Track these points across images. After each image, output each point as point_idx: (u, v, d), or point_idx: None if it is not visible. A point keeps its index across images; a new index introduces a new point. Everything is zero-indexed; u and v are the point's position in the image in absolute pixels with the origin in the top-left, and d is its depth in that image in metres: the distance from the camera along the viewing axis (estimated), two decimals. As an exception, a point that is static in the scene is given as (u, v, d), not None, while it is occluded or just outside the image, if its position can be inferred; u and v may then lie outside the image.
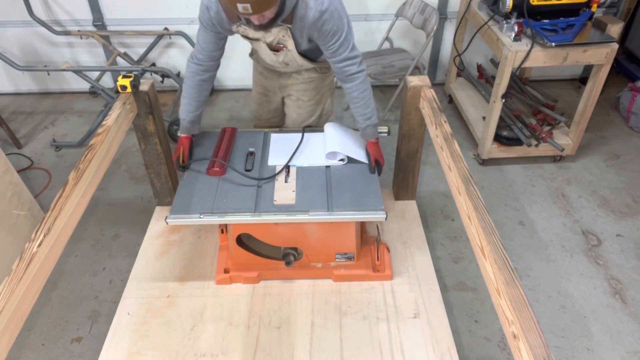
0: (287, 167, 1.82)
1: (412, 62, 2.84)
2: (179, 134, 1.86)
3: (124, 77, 1.79)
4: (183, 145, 1.83)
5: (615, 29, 2.35)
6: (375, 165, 1.82)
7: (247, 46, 1.79)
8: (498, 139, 2.68)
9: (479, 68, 3.23)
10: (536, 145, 2.67)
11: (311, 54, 1.81)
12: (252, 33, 1.65)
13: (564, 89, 3.42)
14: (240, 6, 1.34)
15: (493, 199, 2.53)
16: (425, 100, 1.85)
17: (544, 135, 2.65)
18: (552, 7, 2.35)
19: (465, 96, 3.11)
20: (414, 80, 1.90)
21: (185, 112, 1.80)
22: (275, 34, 1.65)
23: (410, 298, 1.81)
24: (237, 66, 3.33)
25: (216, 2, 1.56)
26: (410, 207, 2.20)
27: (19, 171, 2.51)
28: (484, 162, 2.74)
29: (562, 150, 2.66)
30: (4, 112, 3.26)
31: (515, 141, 2.68)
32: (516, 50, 2.27)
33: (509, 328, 1.11)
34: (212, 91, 3.40)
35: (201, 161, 1.85)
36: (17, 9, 2.76)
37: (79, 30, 3.06)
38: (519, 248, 2.26)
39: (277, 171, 1.81)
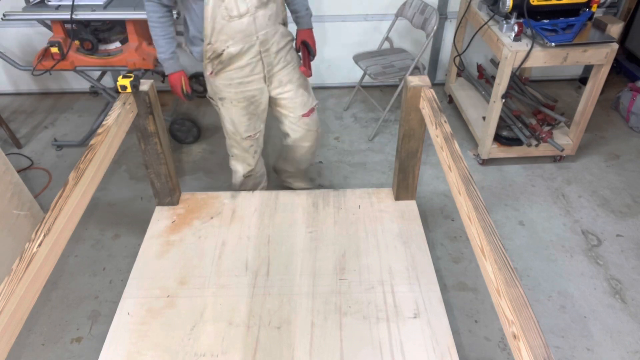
0: None
1: (412, 62, 2.84)
2: (167, 74, 1.91)
3: (124, 77, 1.79)
4: (184, 77, 1.93)
5: (615, 29, 2.35)
6: (306, 47, 2.03)
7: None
8: (498, 139, 2.68)
9: (479, 68, 3.23)
10: (536, 145, 2.67)
11: None
12: None
13: (564, 89, 3.42)
14: None
15: (493, 199, 2.53)
16: (425, 100, 1.85)
17: (544, 135, 2.65)
18: (552, 7, 2.35)
19: (465, 96, 3.11)
20: (414, 80, 1.91)
21: (161, 53, 1.86)
22: None
23: (410, 298, 1.81)
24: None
25: None
26: (410, 207, 2.20)
27: (19, 171, 2.51)
28: (484, 162, 2.74)
29: (562, 150, 2.66)
30: (4, 112, 3.26)
31: (515, 141, 2.68)
32: (516, 50, 2.27)
33: (509, 328, 1.11)
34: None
35: None
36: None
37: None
38: (519, 248, 2.26)
39: None
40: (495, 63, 3.28)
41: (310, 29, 2.06)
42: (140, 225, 2.32)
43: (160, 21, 1.79)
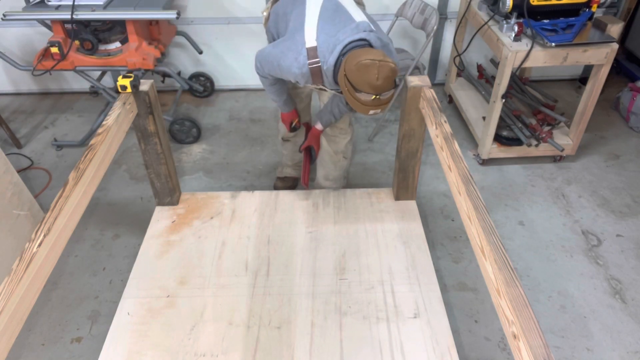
0: None
1: (412, 62, 2.84)
2: (281, 112, 2.16)
3: (124, 77, 1.79)
4: (293, 115, 2.15)
5: (615, 29, 2.35)
6: (308, 150, 2.21)
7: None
8: (498, 139, 2.68)
9: (479, 68, 3.23)
10: (536, 145, 2.67)
11: None
12: (327, 88, 1.85)
13: (564, 89, 3.42)
14: (372, 112, 1.72)
15: (493, 199, 2.53)
16: (425, 100, 1.86)
17: (544, 135, 2.65)
18: (552, 7, 2.35)
19: (465, 96, 3.11)
20: (414, 80, 1.91)
21: (276, 101, 2.08)
22: None
23: (410, 298, 1.81)
24: (236, 66, 3.34)
25: (308, 72, 1.71)
26: (410, 207, 2.21)
27: (19, 171, 2.51)
28: (484, 162, 2.74)
29: (562, 150, 2.66)
30: (4, 112, 3.26)
31: (515, 141, 2.68)
32: (516, 51, 2.27)
33: (509, 328, 1.11)
34: (212, 91, 3.40)
35: None
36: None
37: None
38: (519, 248, 2.26)
39: None
40: (495, 63, 3.28)
41: (319, 129, 2.17)
42: (140, 225, 2.32)
43: (271, 84, 1.97)
